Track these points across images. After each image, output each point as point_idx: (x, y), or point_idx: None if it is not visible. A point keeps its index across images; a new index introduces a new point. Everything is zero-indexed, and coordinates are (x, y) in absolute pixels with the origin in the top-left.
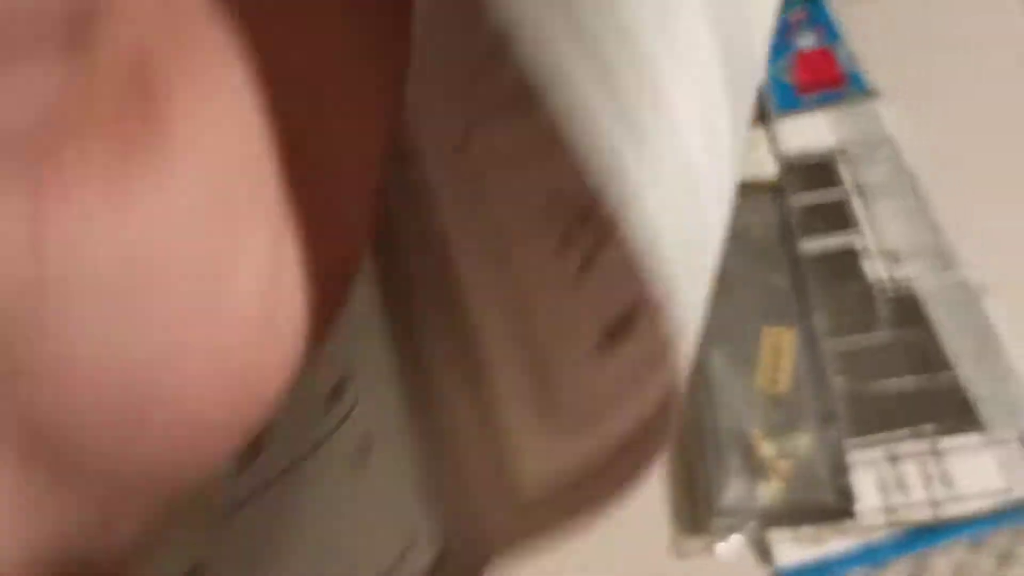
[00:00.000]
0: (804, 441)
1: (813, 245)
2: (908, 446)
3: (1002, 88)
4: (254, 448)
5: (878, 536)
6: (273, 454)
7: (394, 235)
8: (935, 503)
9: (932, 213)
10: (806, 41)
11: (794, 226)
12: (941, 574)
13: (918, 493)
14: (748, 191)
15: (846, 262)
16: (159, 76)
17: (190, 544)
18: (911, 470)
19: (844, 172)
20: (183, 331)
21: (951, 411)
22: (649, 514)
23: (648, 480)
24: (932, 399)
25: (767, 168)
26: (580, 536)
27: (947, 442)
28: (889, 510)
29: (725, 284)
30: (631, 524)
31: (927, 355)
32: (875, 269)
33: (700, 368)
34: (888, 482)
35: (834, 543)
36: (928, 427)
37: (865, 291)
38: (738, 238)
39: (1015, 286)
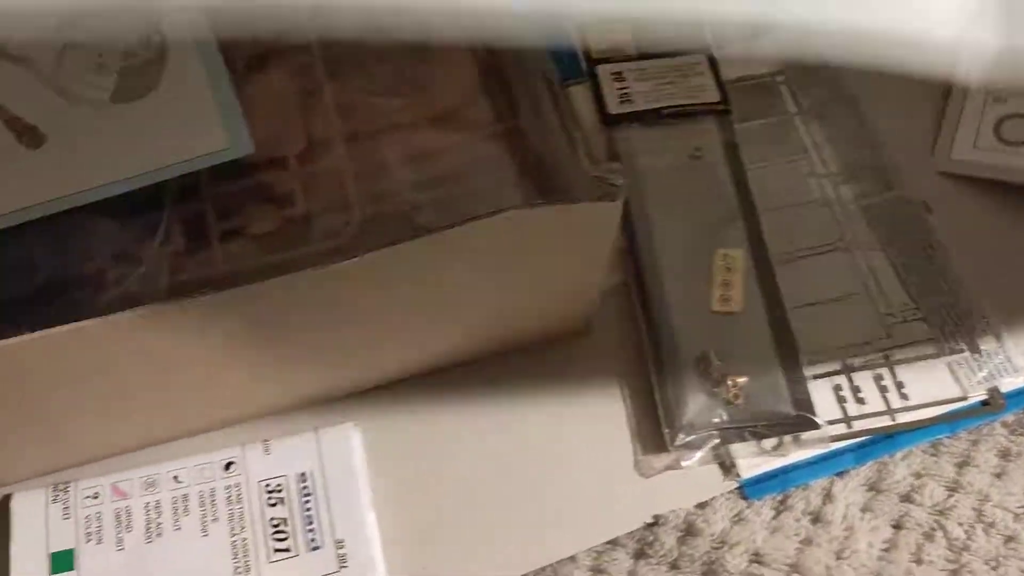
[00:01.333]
0: (760, 357)
1: (759, 166)
2: (863, 359)
3: None
4: None
5: (838, 446)
6: None
7: None
8: (892, 412)
9: (873, 134)
10: None
11: (740, 149)
12: (901, 479)
13: (875, 403)
14: (693, 115)
15: (792, 182)
16: None
17: None
18: (867, 381)
19: (786, 96)
20: None
21: (903, 323)
22: (613, 437)
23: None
24: (884, 313)
25: (710, 93)
26: (549, 466)
27: (901, 353)
28: (847, 420)
29: (676, 208)
30: (595, 449)
31: (876, 272)
32: (821, 188)
33: (656, 291)
34: (845, 393)
35: (795, 454)
36: (882, 340)
37: (811, 210)
38: (687, 162)
39: (954, 203)
